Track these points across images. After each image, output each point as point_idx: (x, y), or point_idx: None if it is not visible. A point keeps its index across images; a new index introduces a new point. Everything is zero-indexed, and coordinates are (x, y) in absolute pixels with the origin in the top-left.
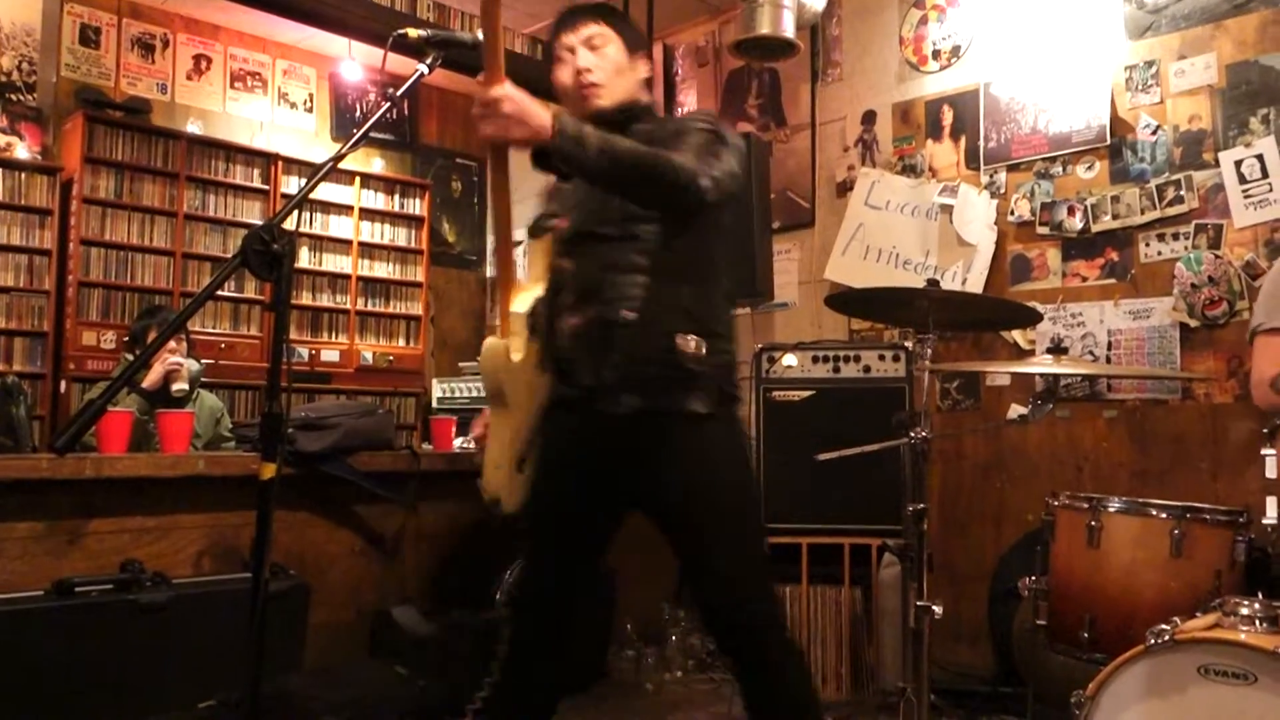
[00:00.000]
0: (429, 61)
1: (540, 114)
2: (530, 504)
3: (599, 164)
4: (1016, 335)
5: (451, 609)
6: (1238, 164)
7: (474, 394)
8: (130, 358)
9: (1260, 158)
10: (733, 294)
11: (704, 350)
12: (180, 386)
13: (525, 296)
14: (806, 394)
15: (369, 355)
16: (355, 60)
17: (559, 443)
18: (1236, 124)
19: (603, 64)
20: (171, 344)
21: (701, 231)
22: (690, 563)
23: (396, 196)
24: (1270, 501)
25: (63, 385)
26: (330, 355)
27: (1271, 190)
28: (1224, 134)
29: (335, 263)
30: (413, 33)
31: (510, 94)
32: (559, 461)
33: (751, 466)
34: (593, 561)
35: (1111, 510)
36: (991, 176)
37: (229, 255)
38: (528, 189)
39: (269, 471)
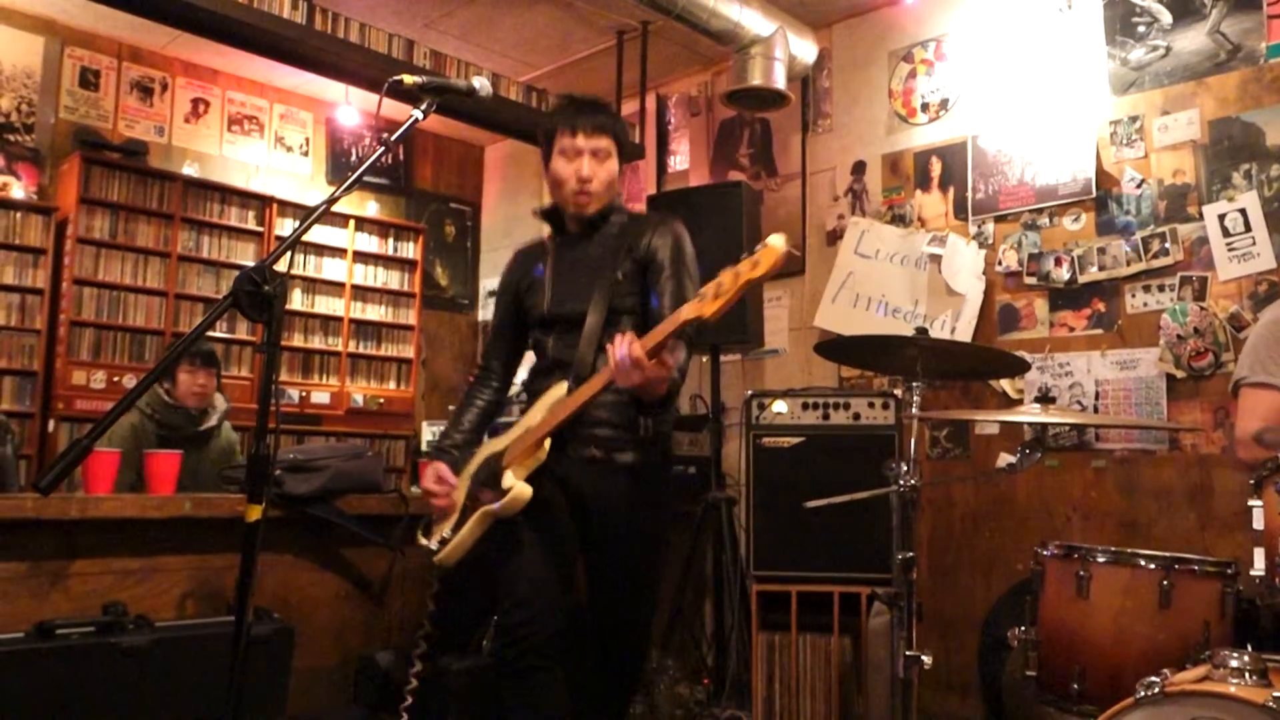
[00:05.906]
0: (424, 108)
1: (665, 385)
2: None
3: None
4: (1005, 384)
5: (437, 654)
6: (1221, 218)
7: None
8: (164, 393)
9: (1243, 212)
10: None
11: (652, 423)
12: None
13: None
14: (796, 441)
15: (359, 398)
16: (352, 105)
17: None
18: (1219, 179)
19: (602, 176)
20: (202, 379)
21: None
22: (607, 603)
23: (390, 240)
24: (1258, 553)
25: (51, 424)
26: (320, 397)
27: (1254, 244)
28: (1207, 188)
29: (328, 305)
30: (408, 79)
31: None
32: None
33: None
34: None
35: (1100, 561)
36: (980, 227)
37: (222, 296)
38: (509, 244)
39: (255, 514)
